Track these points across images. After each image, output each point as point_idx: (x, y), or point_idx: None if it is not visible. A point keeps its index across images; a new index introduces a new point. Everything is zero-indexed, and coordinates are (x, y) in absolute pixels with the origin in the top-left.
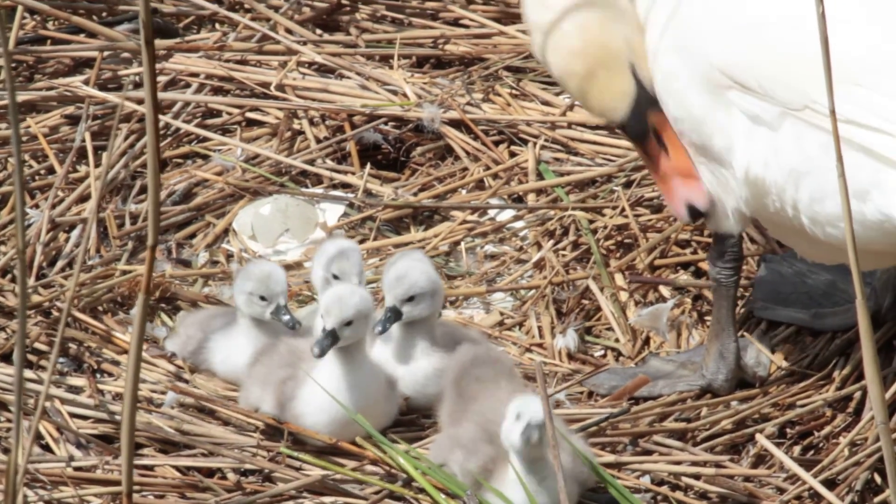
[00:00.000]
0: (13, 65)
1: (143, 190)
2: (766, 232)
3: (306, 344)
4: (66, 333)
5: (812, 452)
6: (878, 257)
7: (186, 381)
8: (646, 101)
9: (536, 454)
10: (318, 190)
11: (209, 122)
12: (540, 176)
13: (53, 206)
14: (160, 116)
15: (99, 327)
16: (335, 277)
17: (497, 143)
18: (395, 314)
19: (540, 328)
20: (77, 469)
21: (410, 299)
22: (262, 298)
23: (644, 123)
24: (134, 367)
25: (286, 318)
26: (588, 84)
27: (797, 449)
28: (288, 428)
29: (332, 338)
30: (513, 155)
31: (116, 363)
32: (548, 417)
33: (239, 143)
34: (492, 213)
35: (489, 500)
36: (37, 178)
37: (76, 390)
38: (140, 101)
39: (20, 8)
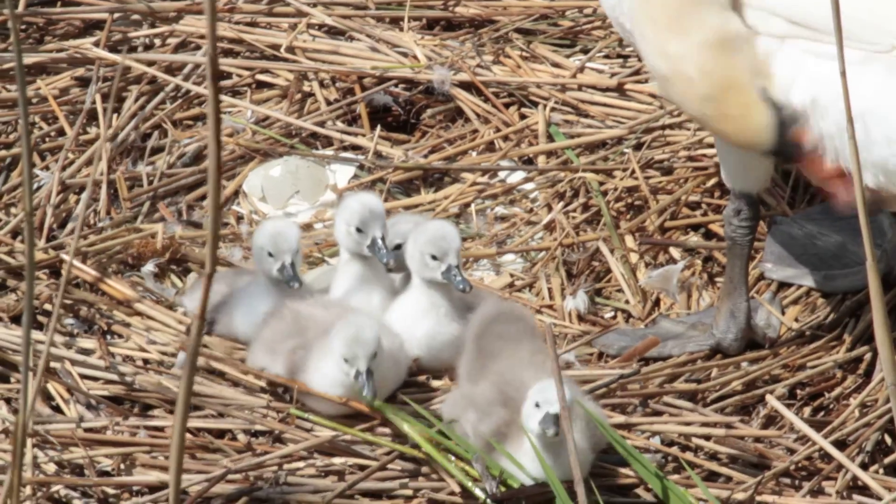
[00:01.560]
0: (23, 26)
1: (154, 151)
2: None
3: (311, 309)
4: (77, 295)
5: (822, 413)
6: None
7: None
8: (788, 120)
9: (554, 440)
10: (329, 152)
11: (219, 84)
12: (550, 138)
13: (63, 168)
14: (169, 78)
15: (109, 288)
16: (358, 231)
17: (507, 106)
18: (459, 269)
19: (550, 290)
20: (87, 430)
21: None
22: (270, 255)
23: (792, 144)
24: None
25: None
26: (725, 125)
27: (807, 410)
28: (299, 387)
29: (370, 374)
30: (523, 117)
31: (127, 325)
32: (557, 381)
33: (249, 105)
34: (502, 174)
35: (499, 464)
36: (47, 139)
37: (86, 352)
38: (150, 63)
39: None
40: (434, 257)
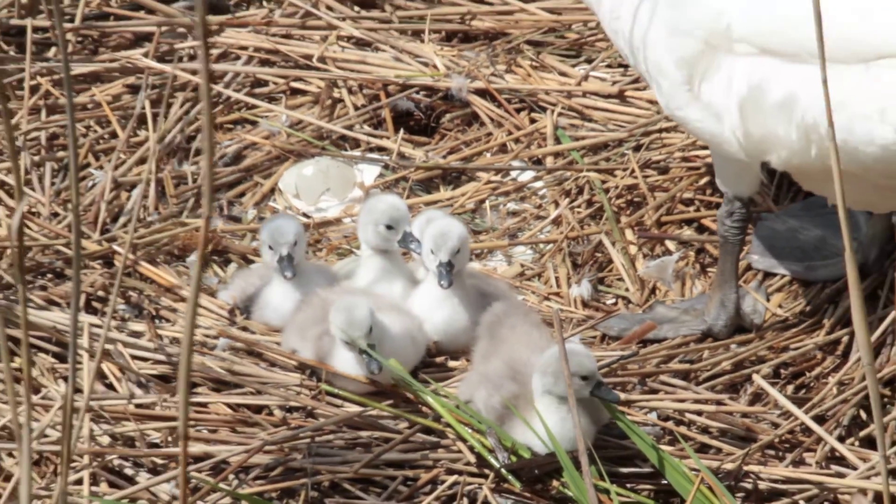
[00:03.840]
0: (79, 39)
1: (198, 152)
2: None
3: (337, 297)
4: (127, 283)
5: (804, 391)
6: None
7: (235, 323)
8: None
9: (565, 414)
10: (356, 153)
11: (257, 90)
12: (557, 140)
13: (116, 168)
14: (212, 86)
15: (158, 276)
16: (388, 228)
17: (518, 111)
18: (451, 266)
19: (557, 278)
20: (138, 406)
21: (457, 252)
22: (270, 248)
23: None
24: (191, 318)
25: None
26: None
27: (790, 388)
28: (327, 369)
29: (372, 348)
30: (533, 121)
31: (173, 310)
32: (563, 359)
33: (284, 110)
34: (513, 174)
35: (510, 434)
36: (101, 141)
37: (137, 335)
38: (193, 72)
39: None
40: (433, 252)
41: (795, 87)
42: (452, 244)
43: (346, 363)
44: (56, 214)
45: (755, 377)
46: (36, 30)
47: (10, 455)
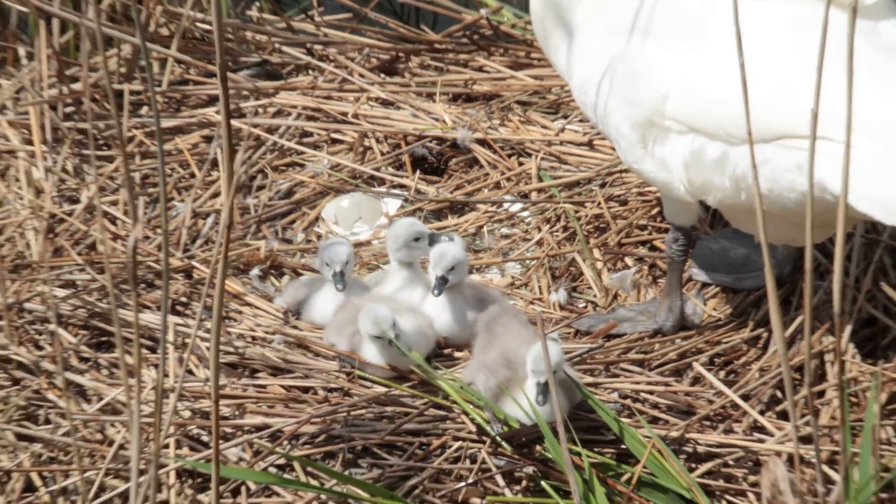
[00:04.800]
0: (166, 100)
1: (258, 189)
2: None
3: (365, 303)
4: (205, 292)
5: (732, 375)
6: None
7: (288, 323)
8: None
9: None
10: (383, 189)
11: (305, 140)
12: (540, 179)
13: (194, 200)
14: (269, 136)
15: (227, 286)
16: (416, 240)
17: (510, 156)
18: (443, 281)
19: (540, 287)
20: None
21: (451, 269)
22: (327, 265)
23: None
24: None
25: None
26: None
27: (722, 373)
28: (358, 359)
29: (398, 337)
30: (521, 164)
31: (239, 312)
32: (545, 351)
33: (326, 155)
34: (506, 205)
35: (503, 409)
36: (182, 180)
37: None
38: (255, 125)
39: (170, 59)
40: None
41: (727, 148)
42: (446, 263)
43: (372, 354)
44: (147, 237)
45: (695, 364)
46: (132, 93)
47: (112, 425)
